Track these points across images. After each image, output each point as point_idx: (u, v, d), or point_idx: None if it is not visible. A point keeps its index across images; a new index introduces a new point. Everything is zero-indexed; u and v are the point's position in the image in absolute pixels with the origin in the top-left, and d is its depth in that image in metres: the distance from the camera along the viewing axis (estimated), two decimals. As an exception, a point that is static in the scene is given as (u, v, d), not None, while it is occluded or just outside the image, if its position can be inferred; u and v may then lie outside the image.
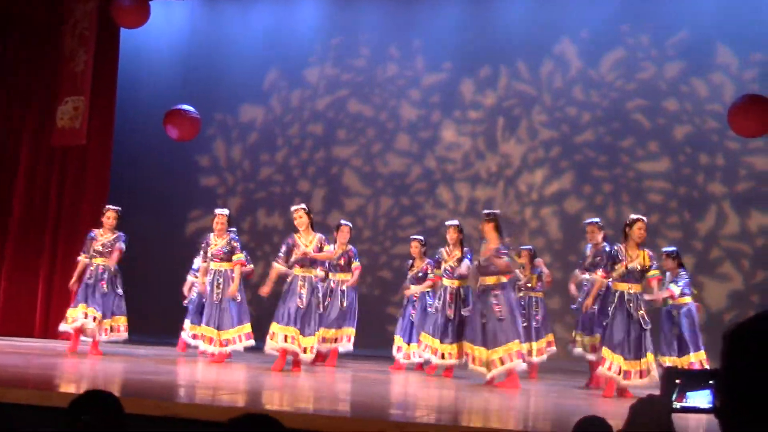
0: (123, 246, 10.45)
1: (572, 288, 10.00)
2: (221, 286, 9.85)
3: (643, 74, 12.74)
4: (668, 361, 9.15)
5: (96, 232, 10.46)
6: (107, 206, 10.74)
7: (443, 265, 9.99)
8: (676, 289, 9.27)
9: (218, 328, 9.73)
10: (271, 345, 8.92)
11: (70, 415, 3.06)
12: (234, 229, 10.53)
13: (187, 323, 11.22)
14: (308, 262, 9.15)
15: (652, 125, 12.61)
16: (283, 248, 9.20)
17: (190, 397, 5.85)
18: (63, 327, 10.34)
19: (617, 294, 8.17)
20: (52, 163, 13.04)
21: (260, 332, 9.72)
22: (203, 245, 10.25)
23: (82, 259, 10.41)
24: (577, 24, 13.00)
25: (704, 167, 12.33)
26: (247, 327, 9.89)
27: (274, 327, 8.93)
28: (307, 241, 9.19)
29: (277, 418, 2.22)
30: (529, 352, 9.81)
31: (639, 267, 8.28)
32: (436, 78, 13.56)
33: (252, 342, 9.87)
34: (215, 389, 6.93)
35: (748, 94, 9.90)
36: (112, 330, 10.29)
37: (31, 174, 12.99)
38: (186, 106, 10.90)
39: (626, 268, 8.21)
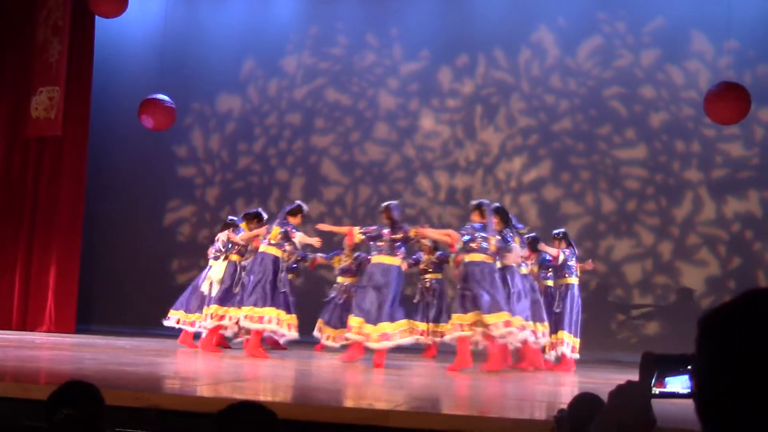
0: None
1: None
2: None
3: (619, 62, 12.80)
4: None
5: None
6: None
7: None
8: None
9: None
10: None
11: (49, 407, 3.05)
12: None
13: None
14: None
15: (628, 113, 12.68)
16: None
17: (170, 389, 5.84)
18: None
19: None
20: (28, 155, 12.93)
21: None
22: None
23: None
24: (553, 12, 13.03)
25: (680, 154, 12.41)
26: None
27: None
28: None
29: (265, 406, 2.22)
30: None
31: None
32: (413, 66, 13.55)
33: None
34: (195, 380, 6.92)
35: (724, 81, 9.96)
36: None
37: (6, 165, 12.87)
38: (161, 96, 10.84)
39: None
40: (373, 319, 8.56)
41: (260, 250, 9.55)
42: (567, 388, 7.46)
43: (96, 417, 3.12)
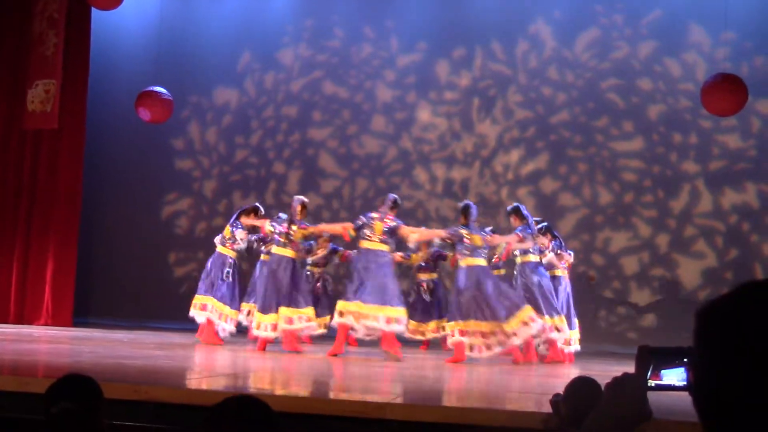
0: None
1: None
2: None
3: (617, 54, 12.79)
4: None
5: None
6: None
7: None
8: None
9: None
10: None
11: (48, 401, 3.04)
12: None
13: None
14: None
15: (626, 105, 12.67)
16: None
17: (168, 382, 5.84)
18: None
19: None
20: (24, 148, 12.91)
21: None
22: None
23: None
24: (551, 4, 13.01)
25: (678, 146, 12.41)
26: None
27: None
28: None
29: (261, 399, 2.22)
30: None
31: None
32: (411, 59, 13.53)
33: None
34: (195, 373, 6.93)
35: (721, 73, 9.96)
36: None
37: (2, 159, 12.85)
38: (158, 88, 10.82)
39: None
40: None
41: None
42: (562, 380, 7.47)
43: (95, 410, 3.12)
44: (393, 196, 9.57)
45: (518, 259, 9.51)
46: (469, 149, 13.22)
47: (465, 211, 9.15)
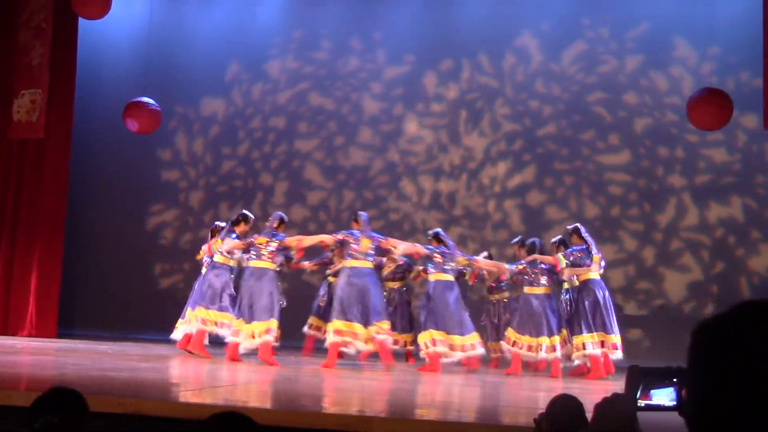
0: None
1: None
2: None
3: (603, 67, 12.84)
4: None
5: None
6: None
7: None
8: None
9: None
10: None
11: (33, 415, 3.02)
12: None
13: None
14: None
15: (612, 118, 12.72)
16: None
17: (154, 394, 5.81)
18: None
19: None
20: (10, 158, 12.84)
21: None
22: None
23: None
24: (538, 17, 13.07)
25: (664, 160, 12.46)
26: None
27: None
28: None
29: (245, 413, 2.21)
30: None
31: None
32: (398, 71, 13.55)
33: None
34: (180, 385, 6.90)
35: (707, 87, 10.01)
36: None
37: (-12, 168, 12.78)
38: (146, 99, 10.79)
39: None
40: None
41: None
42: (547, 393, 7.47)
43: (79, 424, 3.09)
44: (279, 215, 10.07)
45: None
46: (456, 162, 13.23)
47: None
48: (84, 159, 13.56)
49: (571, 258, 9.50)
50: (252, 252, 9.58)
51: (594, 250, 9.62)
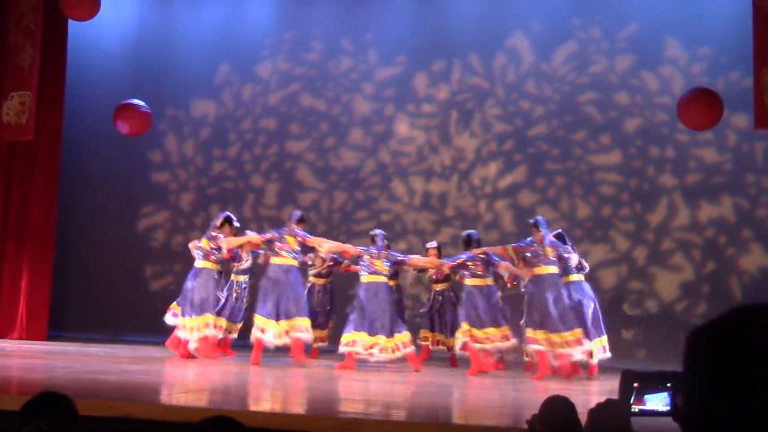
0: None
1: None
2: None
3: (594, 68, 12.84)
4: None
5: None
6: None
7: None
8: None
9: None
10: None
11: (22, 419, 2.99)
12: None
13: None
14: None
15: (603, 118, 12.72)
16: None
17: (144, 397, 5.78)
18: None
19: None
20: (-1, 160, 12.79)
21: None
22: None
23: None
24: (528, 18, 13.06)
25: (655, 159, 12.47)
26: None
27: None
28: None
29: (232, 416, 2.19)
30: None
31: None
32: (389, 72, 13.53)
33: None
34: (170, 389, 6.87)
35: (697, 87, 10.01)
36: None
37: (-23, 171, 12.72)
38: (136, 101, 10.75)
39: None
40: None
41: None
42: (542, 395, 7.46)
43: (69, 428, 3.07)
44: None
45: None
46: (447, 162, 13.22)
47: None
48: (74, 161, 13.51)
49: (524, 252, 9.54)
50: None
51: (547, 242, 9.60)
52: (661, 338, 11.92)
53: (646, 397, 1.43)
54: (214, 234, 10.55)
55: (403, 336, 9.59)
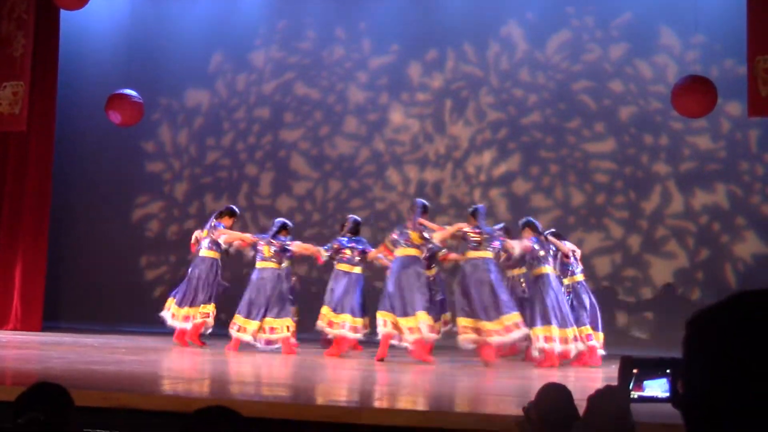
0: None
1: None
2: None
3: (588, 56, 12.84)
4: None
5: None
6: None
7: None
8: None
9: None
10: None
11: (17, 410, 2.99)
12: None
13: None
14: None
15: (597, 106, 12.73)
16: None
17: (140, 388, 5.78)
18: None
19: None
20: (-8, 150, 12.74)
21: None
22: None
23: None
24: (522, 6, 13.05)
25: (649, 147, 12.48)
26: None
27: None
28: None
29: (229, 405, 2.19)
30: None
31: None
32: (383, 60, 13.51)
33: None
34: (166, 378, 6.87)
35: (691, 75, 10.02)
36: None
37: (-30, 161, 12.67)
38: (128, 91, 10.71)
39: None
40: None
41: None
42: (539, 382, 7.48)
43: (64, 419, 3.07)
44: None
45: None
46: (441, 151, 13.21)
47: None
48: (67, 151, 13.47)
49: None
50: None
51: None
52: (656, 325, 11.96)
53: (645, 383, 1.43)
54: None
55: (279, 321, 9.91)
